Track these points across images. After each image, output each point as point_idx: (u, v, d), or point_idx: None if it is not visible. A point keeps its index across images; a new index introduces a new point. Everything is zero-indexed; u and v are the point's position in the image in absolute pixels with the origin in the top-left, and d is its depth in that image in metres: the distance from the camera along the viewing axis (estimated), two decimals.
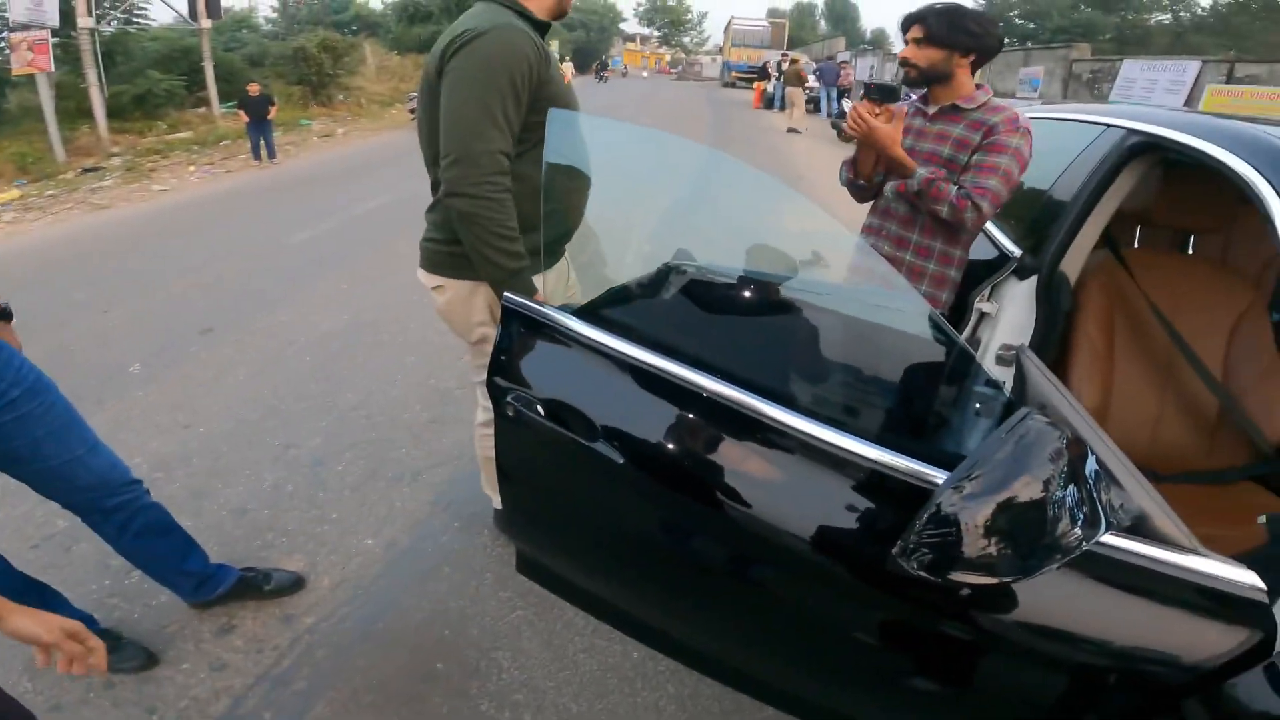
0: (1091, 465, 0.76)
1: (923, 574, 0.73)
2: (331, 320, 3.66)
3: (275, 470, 2.36)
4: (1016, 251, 1.79)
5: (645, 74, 31.96)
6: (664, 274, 1.26)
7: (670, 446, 1.01)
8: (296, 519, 2.13)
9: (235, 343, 3.38)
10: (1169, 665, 0.81)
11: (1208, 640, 0.79)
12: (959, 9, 1.67)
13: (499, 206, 1.29)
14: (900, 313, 1.16)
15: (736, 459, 0.98)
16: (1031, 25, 27.28)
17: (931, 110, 1.74)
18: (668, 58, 46.11)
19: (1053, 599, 0.83)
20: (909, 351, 1.10)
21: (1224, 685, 0.77)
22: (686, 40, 55.30)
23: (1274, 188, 1.12)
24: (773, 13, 40.55)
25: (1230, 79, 6.19)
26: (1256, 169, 1.18)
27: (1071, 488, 0.72)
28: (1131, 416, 1.61)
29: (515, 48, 1.27)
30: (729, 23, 30.11)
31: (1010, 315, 1.74)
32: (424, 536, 2.06)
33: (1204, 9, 24.96)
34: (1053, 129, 2.07)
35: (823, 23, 51.94)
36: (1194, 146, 1.36)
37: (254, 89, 8.35)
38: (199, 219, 5.91)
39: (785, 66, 15.17)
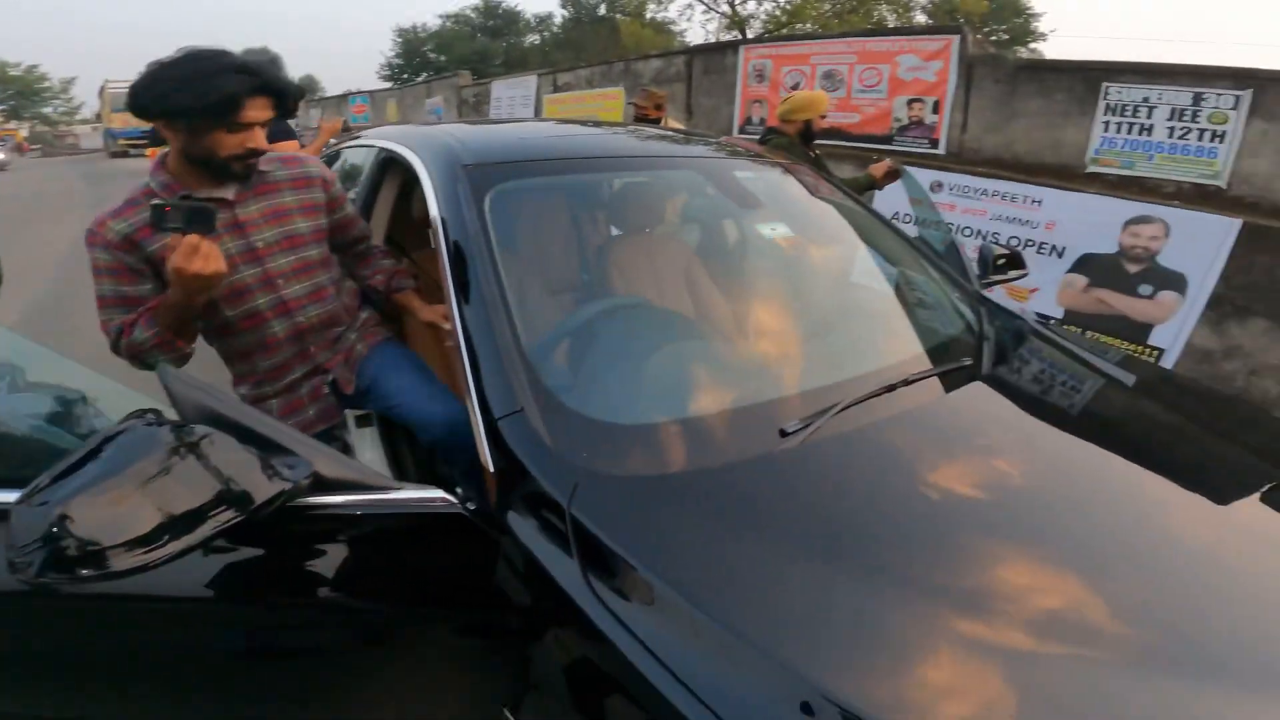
0: (236, 443, 0.85)
1: (48, 580, 0.74)
2: None
3: None
4: None
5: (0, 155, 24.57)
6: None
7: None
8: None
9: None
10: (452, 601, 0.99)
11: (456, 554, 0.97)
12: None
13: None
14: None
15: None
16: (443, 58, 30.54)
17: (233, 195, 1.36)
18: (22, 133, 36.88)
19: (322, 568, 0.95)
20: None
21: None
22: (48, 110, 45.06)
23: (425, 166, 1.47)
24: None
25: (556, 88, 8.12)
26: (420, 158, 1.53)
27: (201, 467, 0.81)
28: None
29: None
30: (103, 87, 25.68)
31: None
32: None
33: (559, 28, 31.89)
34: (359, 155, 2.35)
35: None
36: (392, 149, 1.72)
37: None
38: None
39: None
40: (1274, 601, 0.89)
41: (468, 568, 0.99)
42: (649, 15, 26.66)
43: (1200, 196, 3.38)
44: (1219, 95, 3.29)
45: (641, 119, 3.68)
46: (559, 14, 32.26)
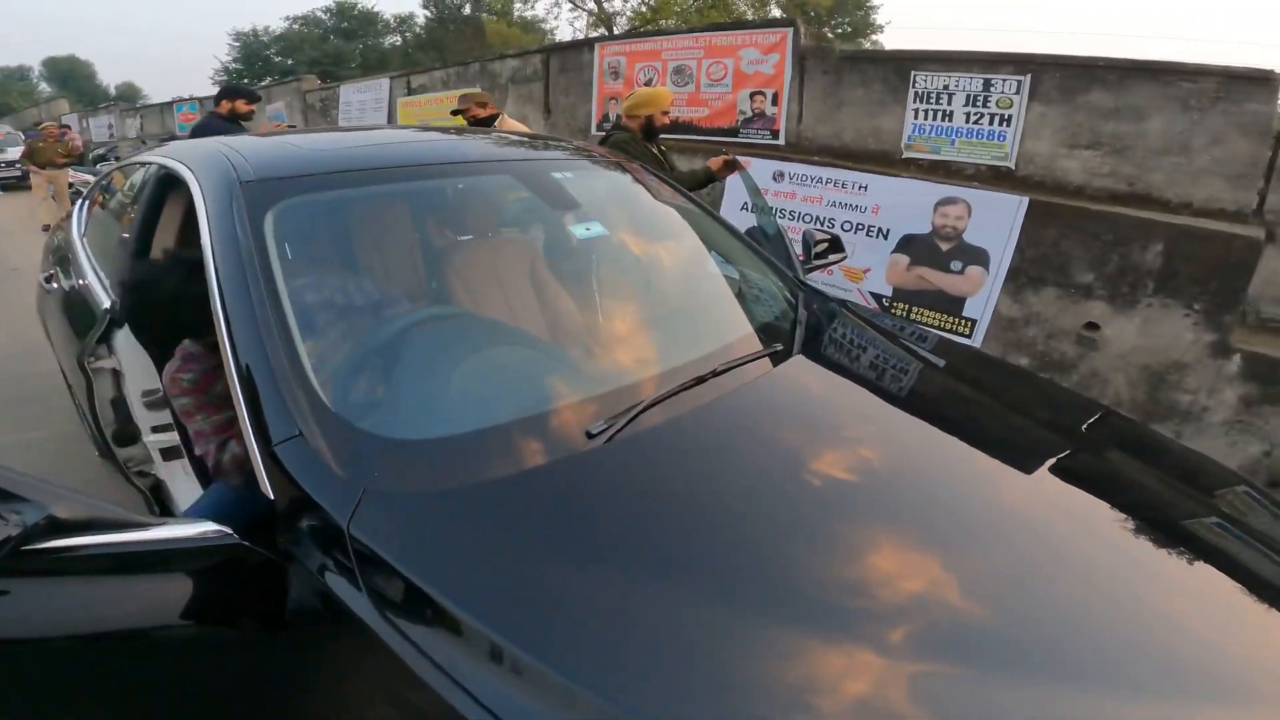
0: None
1: None
2: None
3: None
4: (106, 301, 1.82)
5: None
6: None
7: None
8: None
9: None
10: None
11: (245, 586, 0.95)
12: None
13: None
14: None
15: None
16: (290, 61, 28.63)
17: None
18: None
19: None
20: None
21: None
22: None
23: (200, 184, 1.42)
24: None
25: (410, 91, 7.80)
26: (191, 171, 1.49)
27: None
28: None
29: None
30: None
31: (134, 361, 1.77)
32: None
33: (421, 28, 30.78)
34: (135, 174, 2.17)
35: (45, 85, 44.22)
36: (169, 165, 1.64)
37: None
38: None
39: None
40: (1073, 568, 0.98)
41: (258, 598, 0.97)
42: (516, 14, 26.28)
43: (995, 177, 3.75)
44: (1004, 81, 3.64)
45: (473, 122, 3.61)
46: (421, 14, 31.21)
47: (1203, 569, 1.03)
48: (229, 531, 0.93)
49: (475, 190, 1.81)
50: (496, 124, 3.61)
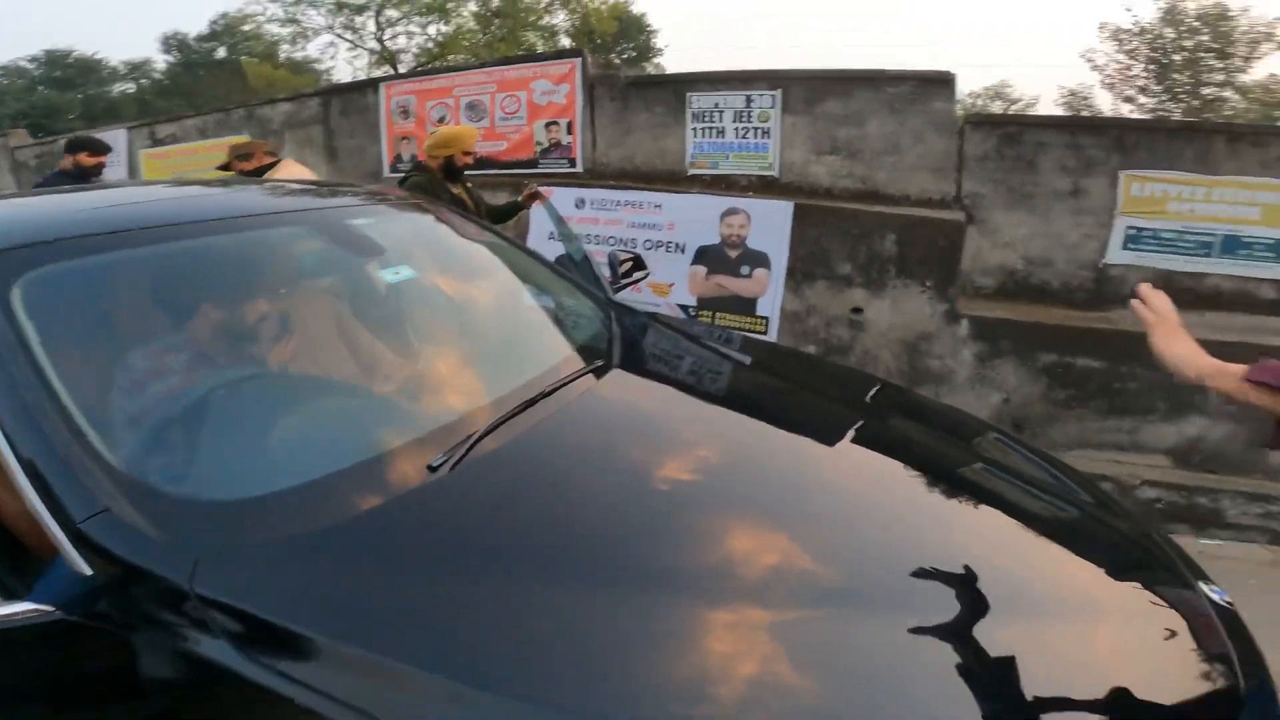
0: None
1: None
2: None
3: None
4: None
5: None
6: None
7: None
8: None
9: None
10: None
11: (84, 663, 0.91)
12: None
13: None
14: None
15: None
16: None
17: None
18: None
19: None
20: None
21: None
22: None
23: None
24: None
25: (157, 142, 6.94)
26: None
27: None
28: None
29: None
30: None
31: None
32: None
33: (161, 74, 27.29)
34: None
35: None
36: None
37: None
38: None
39: None
40: (885, 522, 1.17)
41: (97, 673, 0.94)
42: (283, 56, 24.29)
43: (764, 186, 4.24)
44: (761, 96, 4.10)
45: (254, 172, 3.36)
46: (161, 59, 27.67)
47: (985, 509, 1.29)
48: (48, 609, 0.88)
49: (266, 244, 1.71)
50: (279, 168, 3.38)
